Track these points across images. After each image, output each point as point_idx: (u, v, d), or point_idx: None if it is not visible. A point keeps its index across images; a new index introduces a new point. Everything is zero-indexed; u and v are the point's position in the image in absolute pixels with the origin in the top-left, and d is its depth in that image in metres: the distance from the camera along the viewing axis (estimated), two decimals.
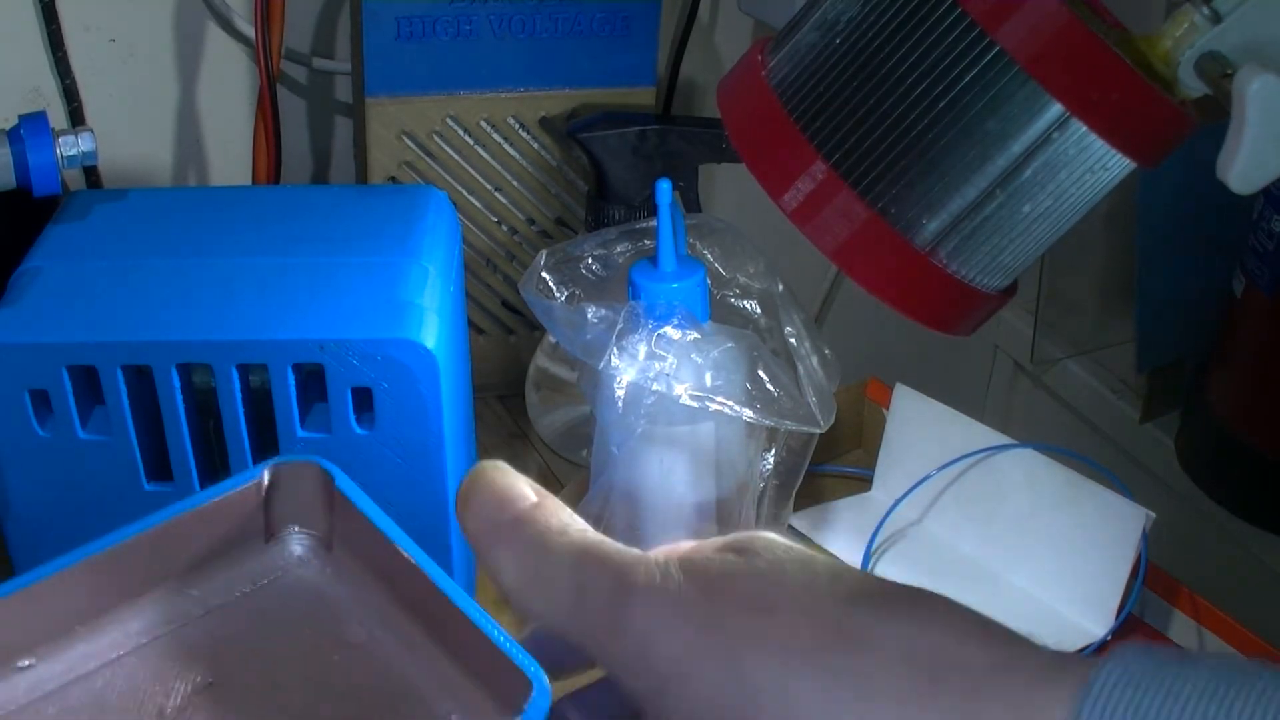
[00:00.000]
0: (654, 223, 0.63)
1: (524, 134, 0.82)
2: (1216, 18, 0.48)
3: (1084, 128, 0.49)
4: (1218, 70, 0.48)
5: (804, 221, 0.52)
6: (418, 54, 0.77)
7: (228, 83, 0.84)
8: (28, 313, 0.55)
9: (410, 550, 0.42)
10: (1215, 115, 0.49)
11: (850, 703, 0.28)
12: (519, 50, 0.79)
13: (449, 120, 0.80)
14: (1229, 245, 0.88)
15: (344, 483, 0.45)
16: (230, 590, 0.46)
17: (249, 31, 0.80)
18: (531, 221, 0.85)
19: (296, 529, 0.48)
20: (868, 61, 0.50)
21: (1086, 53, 0.48)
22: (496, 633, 0.39)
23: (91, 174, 0.80)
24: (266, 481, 0.46)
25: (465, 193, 0.82)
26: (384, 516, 0.43)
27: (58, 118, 0.79)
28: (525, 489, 0.35)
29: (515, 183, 0.83)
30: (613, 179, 0.78)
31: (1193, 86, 0.50)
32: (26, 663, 0.42)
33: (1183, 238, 0.95)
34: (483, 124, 0.81)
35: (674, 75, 0.89)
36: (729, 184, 1.00)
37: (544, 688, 0.38)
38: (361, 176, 0.82)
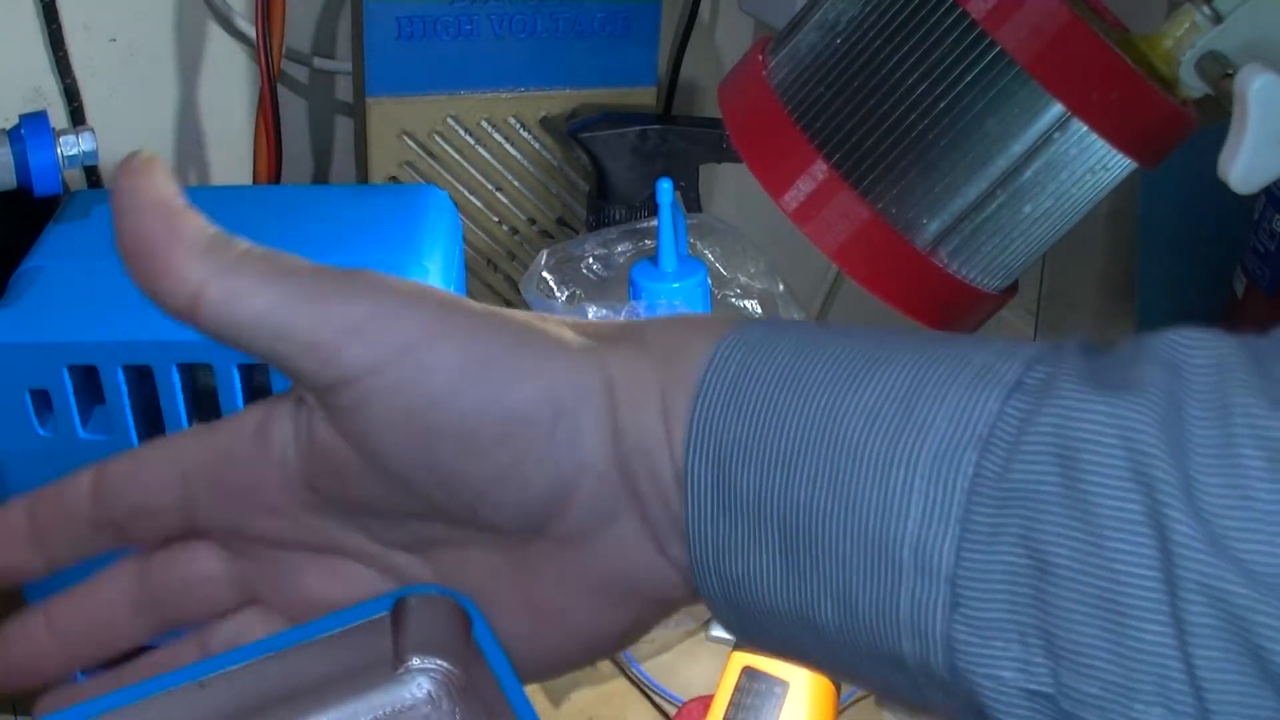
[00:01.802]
0: (655, 223, 0.63)
1: (525, 134, 0.82)
2: (1217, 18, 0.48)
3: (1085, 128, 0.49)
4: (1219, 70, 0.48)
5: (805, 221, 0.52)
6: (418, 54, 0.77)
7: (228, 82, 0.84)
8: (28, 312, 0.55)
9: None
10: (1216, 115, 0.49)
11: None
12: (519, 50, 0.79)
13: (449, 120, 0.80)
14: (1229, 245, 0.88)
15: (481, 631, 0.41)
16: None
17: (249, 31, 0.80)
18: (532, 221, 0.85)
19: (428, 660, 0.44)
20: (868, 62, 0.50)
21: (1087, 53, 0.48)
22: None
23: (92, 174, 0.80)
24: (391, 616, 0.42)
25: (466, 192, 0.82)
26: (512, 678, 0.39)
27: (58, 117, 0.79)
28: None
29: (516, 183, 0.83)
30: (613, 179, 0.78)
31: (1193, 86, 0.50)
32: None
33: (1183, 238, 0.95)
34: (483, 124, 0.81)
35: (675, 75, 0.89)
36: (729, 184, 1.00)
37: None
38: (362, 176, 0.82)
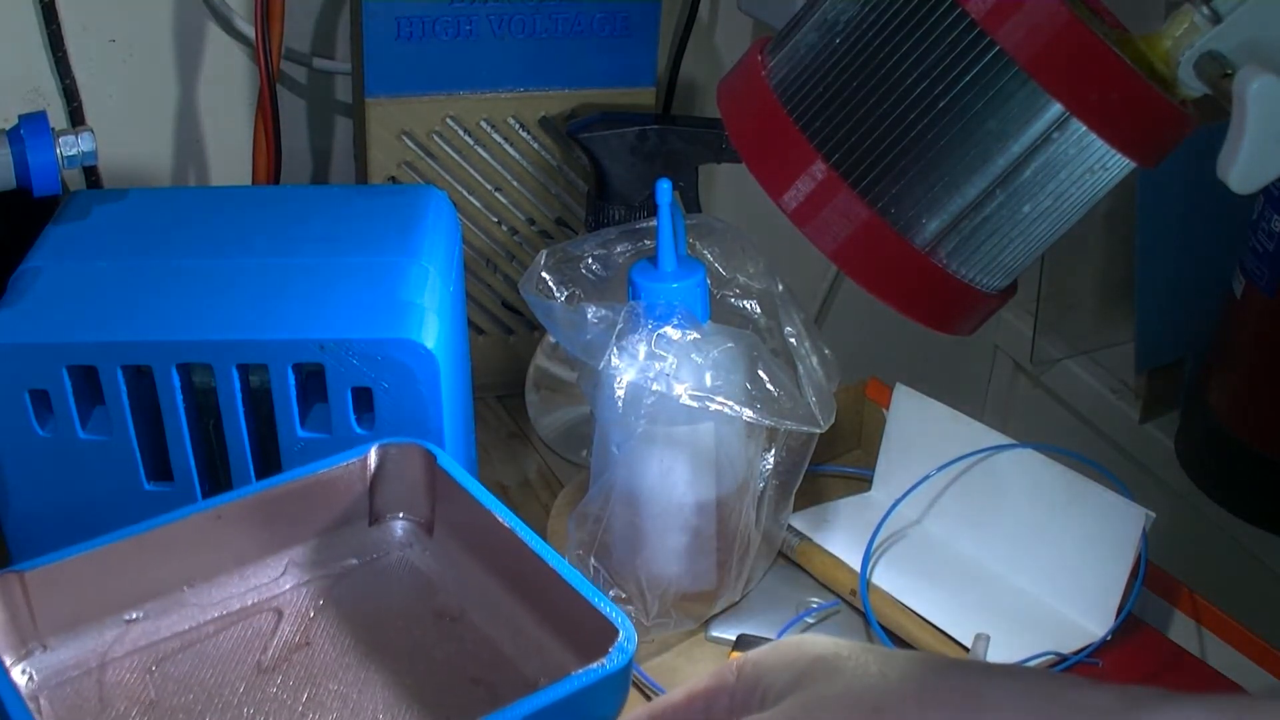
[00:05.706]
0: (654, 223, 0.63)
1: (524, 134, 0.82)
2: (1216, 18, 0.48)
3: (1084, 128, 0.49)
4: (1218, 70, 0.48)
5: (804, 221, 0.52)
6: (418, 54, 0.77)
7: (228, 83, 0.84)
8: (28, 313, 0.55)
9: (504, 515, 0.46)
10: (1215, 115, 0.49)
11: None
12: (519, 50, 0.79)
13: (449, 120, 0.80)
14: (1229, 245, 0.88)
15: (445, 461, 0.49)
16: (333, 564, 0.50)
17: (249, 31, 0.80)
18: (531, 221, 0.85)
19: (400, 515, 0.51)
20: (868, 61, 0.50)
21: (1086, 53, 0.48)
22: (585, 586, 0.43)
23: (91, 174, 0.80)
24: (374, 462, 0.50)
25: (465, 193, 0.82)
26: (481, 488, 0.47)
27: (58, 118, 0.79)
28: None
29: (515, 183, 0.83)
30: (613, 179, 0.78)
31: (1193, 86, 0.50)
32: (134, 615, 0.47)
33: (1183, 238, 0.95)
34: (483, 124, 0.81)
35: (674, 75, 0.89)
36: (729, 184, 1.00)
37: (630, 635, 0.42)
38: (361, 176, 0.82)
